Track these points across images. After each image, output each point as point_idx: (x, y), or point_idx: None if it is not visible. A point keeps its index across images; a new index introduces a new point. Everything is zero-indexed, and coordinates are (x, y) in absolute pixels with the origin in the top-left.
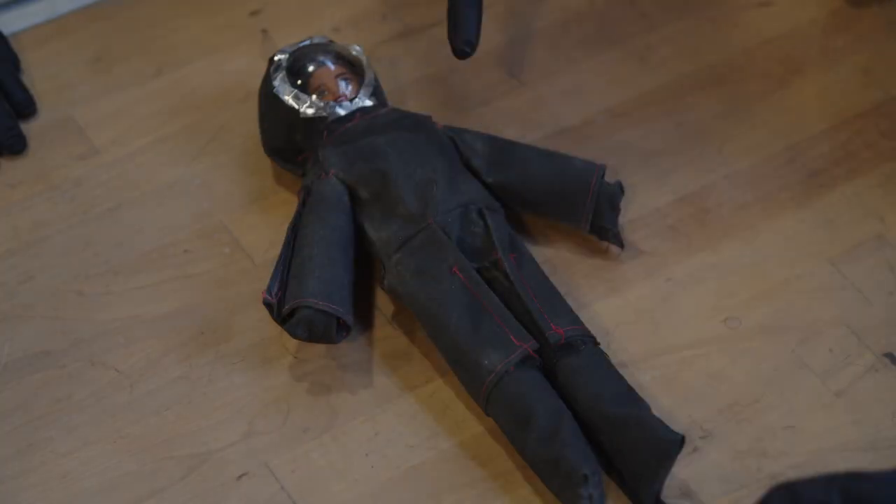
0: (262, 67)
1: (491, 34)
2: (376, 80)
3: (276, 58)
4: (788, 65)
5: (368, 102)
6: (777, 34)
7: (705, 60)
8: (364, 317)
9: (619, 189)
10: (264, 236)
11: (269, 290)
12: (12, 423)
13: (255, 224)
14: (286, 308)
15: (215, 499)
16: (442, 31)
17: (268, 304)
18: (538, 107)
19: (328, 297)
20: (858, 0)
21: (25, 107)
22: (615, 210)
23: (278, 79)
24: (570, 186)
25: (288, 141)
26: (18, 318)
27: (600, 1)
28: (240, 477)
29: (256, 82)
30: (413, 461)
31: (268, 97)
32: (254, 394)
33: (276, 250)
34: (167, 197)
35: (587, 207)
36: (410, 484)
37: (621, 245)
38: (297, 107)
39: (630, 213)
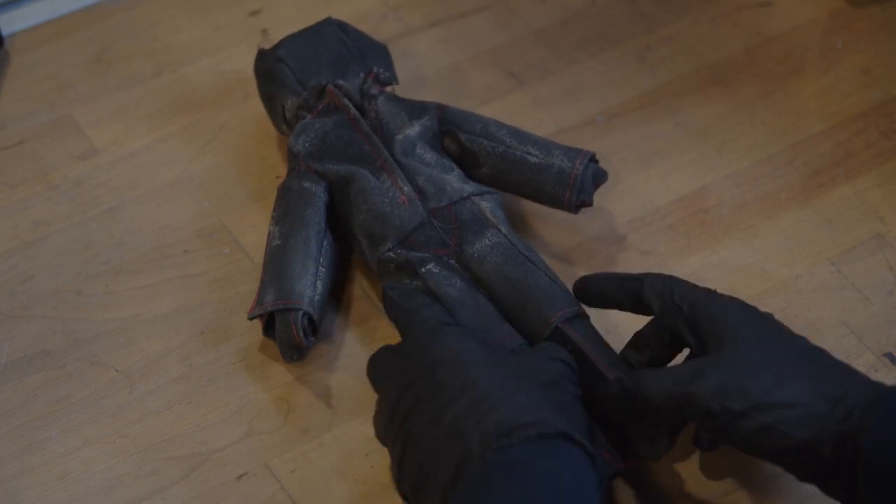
0: None
1: (491, 34)
2: None
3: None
4: (788, 65)
5: None
6: (777, 34)
7: (705, 60)
8: (364, 317)
9: (603, 174)
10: (264, 236)
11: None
12: (12, 423)
13: (255, 224)
14: (254, 313)
15: (215, 499)
16: (442, 31)
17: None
18: (538, 107)
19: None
20: (858, 0)
21: None
22: (595, 185)
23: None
24: (548, 191)
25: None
26: (18, 318)
27: (600, 1)
28: (240, 477)
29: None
30: None
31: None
32: (254, 394)
33: None
34: (167, 197)
35: (568, 201)
36: None
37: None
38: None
39: (630, 213)
